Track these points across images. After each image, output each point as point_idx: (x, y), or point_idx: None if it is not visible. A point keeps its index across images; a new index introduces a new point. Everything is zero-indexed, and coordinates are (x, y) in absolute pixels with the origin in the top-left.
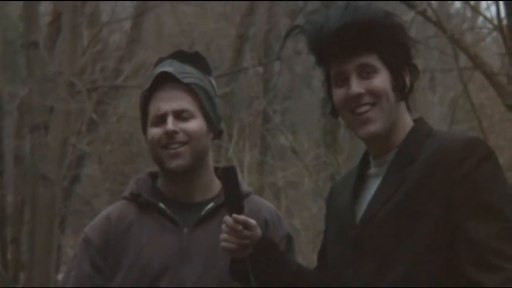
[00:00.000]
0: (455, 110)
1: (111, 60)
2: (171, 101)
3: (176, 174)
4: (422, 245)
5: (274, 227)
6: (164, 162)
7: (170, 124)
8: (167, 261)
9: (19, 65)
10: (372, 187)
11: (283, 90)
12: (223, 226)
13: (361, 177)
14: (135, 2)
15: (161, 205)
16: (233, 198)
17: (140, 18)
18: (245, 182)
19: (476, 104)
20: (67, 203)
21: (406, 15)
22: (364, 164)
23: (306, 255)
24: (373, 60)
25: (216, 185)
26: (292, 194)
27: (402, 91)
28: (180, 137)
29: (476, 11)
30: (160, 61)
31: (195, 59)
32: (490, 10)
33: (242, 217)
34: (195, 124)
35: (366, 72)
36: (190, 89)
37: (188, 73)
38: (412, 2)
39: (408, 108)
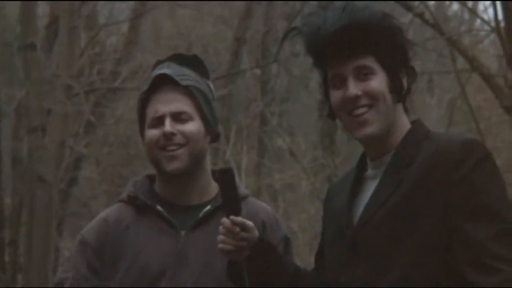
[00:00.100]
0: (452, 112)
1: (108, 62)
2: (169, 103)
3: (173, 176)
4: (419, 246)
5: (271, 229)
6: (162, 165)
7: (168, 126)
8: (165, 263)
9: (17, 67)
10: (370, 189)
11: (280, 92)
12: (220, 227)
13: (358, 179)
14: (132, 4)
15: (159, 207)
16: (230, 200)
17: (137, 20)
18: (243, 184)
19: (473, 106)
20: (65, 205)
21: (403, 17)
22: (361, 165)
23: (304, 257)
24: (370, 62)
25: (214, 187)
26: (289, 196)
27: (399, 93)
28: (178, 139)
29: (473, 13)
30: (158, 64)
31: (193, 62)
32: (487, 12)
33: (239, 219)
34: (193, 126)
35: (363, 74)
36: (188, 91)
37: (186, 75)
38: (409, 3)
39: (406, 110)
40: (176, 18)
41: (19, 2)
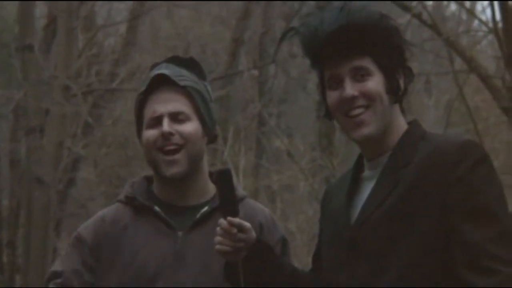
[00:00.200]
0: (450, 113)
1: (106, 63)
2: (167, 103)
3: (172, 180)
4: (416, 247)
5: (269, 231)
6: (161, 169)
7: (166, 126)
8: (162, 264)
9: (14, 68)
10: (367, 189)
11: (278, 93)
12: (218, 228)
13: (355, 179)
14: (130, 5)
15: (156, 208)
16: (228, 201)
17: (135, 21)
18: (240, 186)
19: (471, 107)
20: (63, 206)
21: (401, 18)
22: (358, 166)
23: (302, 258)
24: (367, 62)
25: (211, 188)
26: (287, 197)
27: (396, 94)
28: (176, 139)
29: (471, 14)
30: (156, 65)
31: (190, 64)
32: (485, 13)
33: (236, 220)
34: (191, 127)
35: (360, 75)
36: (186, 91)
37: (184, 76)
38: (407, 3)
39: (402, 111)
40: (174, 19)
41: (17, 2)
